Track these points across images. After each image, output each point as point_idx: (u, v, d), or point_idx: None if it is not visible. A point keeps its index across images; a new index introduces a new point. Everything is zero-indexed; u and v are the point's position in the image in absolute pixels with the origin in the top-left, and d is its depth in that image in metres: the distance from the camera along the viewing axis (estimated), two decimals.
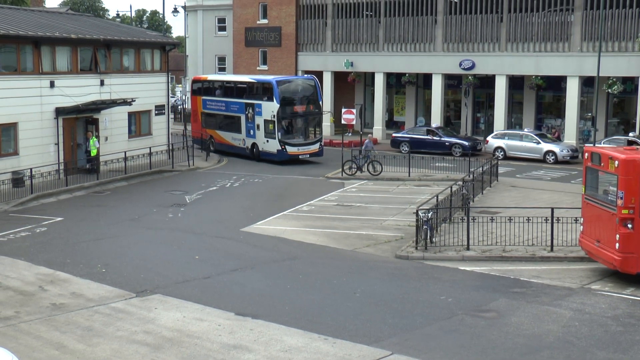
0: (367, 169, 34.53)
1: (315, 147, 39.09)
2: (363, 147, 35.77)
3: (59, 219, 25.77)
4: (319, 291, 17.30)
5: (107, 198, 30.20)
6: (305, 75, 44.33)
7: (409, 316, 15.44)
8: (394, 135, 44.75)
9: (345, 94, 53.04)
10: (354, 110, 36.68)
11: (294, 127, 39.34)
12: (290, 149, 38.20)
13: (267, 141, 38.62)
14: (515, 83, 46.21)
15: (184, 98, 61.23)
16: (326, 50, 51.30)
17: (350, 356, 13.24)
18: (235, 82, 43.37)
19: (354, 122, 37.74)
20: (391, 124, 51.54)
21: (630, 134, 38.51)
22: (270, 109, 38.31)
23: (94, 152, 33.65)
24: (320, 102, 39.96)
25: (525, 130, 41.79)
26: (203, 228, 24.29)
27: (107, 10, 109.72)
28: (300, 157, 38.50)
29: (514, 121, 46.93)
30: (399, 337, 14.18)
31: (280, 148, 38.04)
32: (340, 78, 51.74)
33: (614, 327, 14.76)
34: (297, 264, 19.87)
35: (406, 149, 41.89)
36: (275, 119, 38.07)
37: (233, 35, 56.39)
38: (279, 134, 38.02)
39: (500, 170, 34.34)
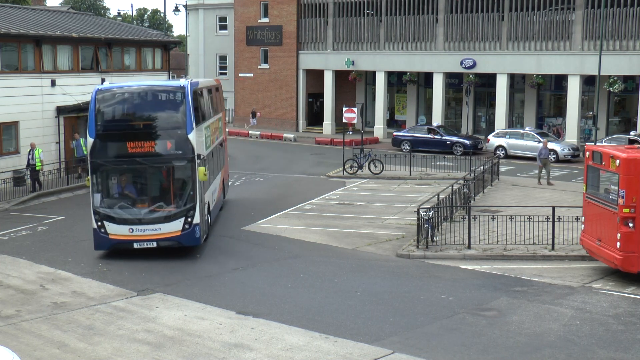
0: (368, 168, 34.51)
1: (174, 228, 19.91)
2: (540, 155, 31.37)
3: (60, 217, 25.78)
4: (320, 290, 17.30)
5: None
6: (166, 82, 23.64)
7: (410, 315, 15.44)
8: (395, 134, 44.77)
9: (347, 93, 53.09)
10: (355, 109, 36.63)
11: (128, 184, 20.37)
12: (114, 229, 19.85)
13: None
14: (517, 82, 46.23)
15: None
16: (327, 49, 51.28)
17: (352, 355, 13.24)
18: None
19: (355, 121, 37.64)
20: (392, 122, 51.54)
21: (632, 133, 38.48)
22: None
23: (39, 166, 29.61)
24: (191, 136, 19.84)
25: (527, 129, 41.76)
26: None
27: (108, 9, 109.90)
28: (135, 245, 19.96)
29: (515, 120, 46.94)
30: (400, 336, 14.18)
31: (95, 225, 20.00)
32: (341, 77, 51.76)
33: (615, 325, 14.76)
34: (298, 262, 19.87)
35: (407, 147, 41.86)
36: (89, 167, 20.12)
37: (234, 34, 56.38)
38: (96, 197, 19.98)
39: (502, 169, 34.32)
